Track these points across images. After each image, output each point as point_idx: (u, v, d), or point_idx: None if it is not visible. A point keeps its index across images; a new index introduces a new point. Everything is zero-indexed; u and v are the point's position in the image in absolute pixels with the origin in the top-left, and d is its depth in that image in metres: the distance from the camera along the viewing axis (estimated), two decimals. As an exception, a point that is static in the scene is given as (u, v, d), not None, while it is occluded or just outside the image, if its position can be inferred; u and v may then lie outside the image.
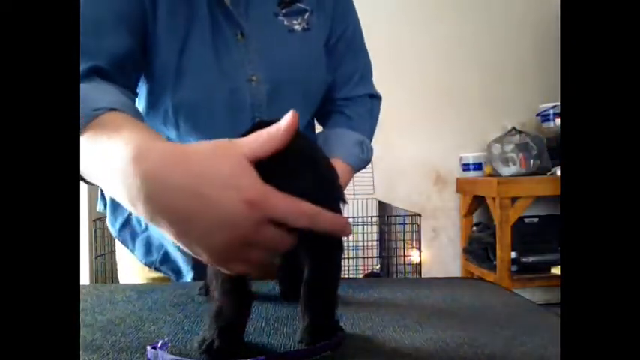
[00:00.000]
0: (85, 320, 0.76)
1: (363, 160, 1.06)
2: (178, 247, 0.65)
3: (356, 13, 1.14)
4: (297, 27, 1.01)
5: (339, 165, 1.00)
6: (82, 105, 0.64)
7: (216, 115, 0.96)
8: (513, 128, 3.22)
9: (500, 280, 2.82)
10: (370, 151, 1.09)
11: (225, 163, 0.52)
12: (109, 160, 0.58)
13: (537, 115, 3.39)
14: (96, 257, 2.74)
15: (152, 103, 0.95)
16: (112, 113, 0.67)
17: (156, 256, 1.10)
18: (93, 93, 0.70)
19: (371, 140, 1.14)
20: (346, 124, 1.09)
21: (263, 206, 0.50)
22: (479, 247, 3.23)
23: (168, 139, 0.91)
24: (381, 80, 1.19)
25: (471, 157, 3.41)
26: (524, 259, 3.08)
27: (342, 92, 1.11)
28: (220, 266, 0.55)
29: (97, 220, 2.71)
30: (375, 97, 1.17)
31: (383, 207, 3.15)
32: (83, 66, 0.79)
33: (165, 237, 0.76)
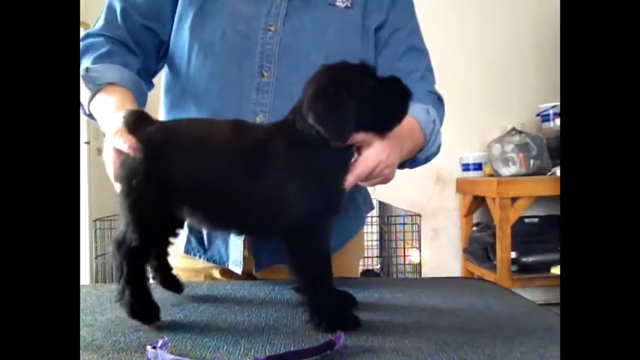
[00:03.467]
0: (85, 320, 0.76)
1: (429, 121, 1.01)
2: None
3: (416, 20, 1.15)
4: (339, 3, 1.05)
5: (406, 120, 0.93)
6: (94, 79, 0.95)
7: (224, 56, 1.01)
8: (513, 128, 3.22)
9: (501, 280, 2.82)
10: (436, 117, 1.03)
11: None
12: (104, 121, 0.90)
13: (537, 115, 3.39)
14: (96, 257, 2.74)
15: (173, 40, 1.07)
16: (110, 86, 0.94)
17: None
18: (100, 72, 0.96)
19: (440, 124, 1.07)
20: None
21: None
22: (479, 247, 3.23)
23: (177, 73, 1.07)
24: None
25: (471, 157, 3.41)
26: (524, 259, 3.07)
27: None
28: None
29: (97, 220, 2.71)
30: (440, 99, 1.12)
31: (383, 207, 3.15)
32: (107, 44, 1.01)
33: None
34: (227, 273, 1.08)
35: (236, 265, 1.05)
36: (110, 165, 0.80)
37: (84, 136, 2.67)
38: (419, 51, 1.13)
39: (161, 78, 1.13)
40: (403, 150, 0.92)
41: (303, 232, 0.73)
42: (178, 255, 1.09)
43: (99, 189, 2.70)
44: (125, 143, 0.75)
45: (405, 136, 0.91)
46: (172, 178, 0.74)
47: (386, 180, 0.86)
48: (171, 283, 0.89)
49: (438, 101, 1.12)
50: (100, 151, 2.91)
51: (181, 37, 1.04)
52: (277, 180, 0.73)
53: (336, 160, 0.77)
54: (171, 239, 0.85)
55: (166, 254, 0.87)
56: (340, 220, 0.95)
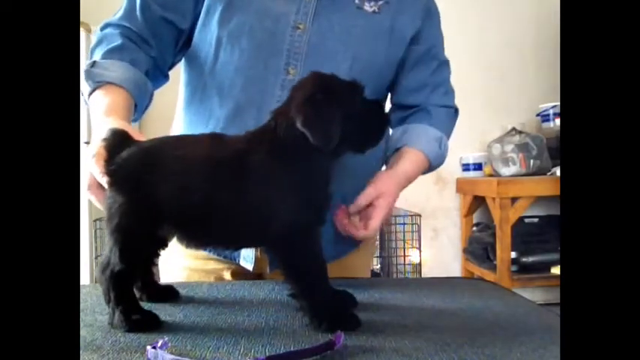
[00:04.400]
0: (85, 320, 0.76)
1: (439, 155, 1.11)
2: None
3: (442, 37, 1.18)
4: (367, 8, 1.06)
5: (418, 155, 1.07)
6: (94, 76, 0.96)
7: (250, 51, 1.01)
8: (513, 128, 3.22)
9: (501, 280, 2.82)
10: (446, 148, 1.14)
11: None
12: (94, 122, 0.91)
13: (537, 115, 3.39)
14: (96, 257, 2.74)
15: (200, 35, 1.06)
16: (108, 85, 0.95)
17: None
18: (104, 68, 0.97)
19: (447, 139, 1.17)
20: (427, 121, 1.12)
21: None
22: (479, 247, 3.23)
23: (201, 66, 1.07)
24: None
25: (471, 157, 3.41)
26: (524, 259, 3.07)
27: (431, 99, 1.14)
28: None
29: (97, 220, 2.71)
30: (456, 111, 1.21)
31: (383, 207, 3.14)
32: (120, 37, 1.01)
33: None
34: (238, 274, 1.08)
35: (247, 262, 1.05)
36: (86, 180, 0.82)
37: (84, 136, 2.66)
38: (444, 64, 1.17)
39: (179, 70, 1.13)
40: (404, 187, 1.06)
41: (294, 241, 0.73)
42: (189, 256, 1.09)
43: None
44: (100, 173, 0.76)
45: (415, 176, 1.08)
46: (154, 199, 0.73)
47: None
48: (163, 293, 0.87)
49: (454, 114, 1.19)
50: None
51: (209, 30, 1.04)
52: (261, 191, 0.72)
53: (319, 166, 0.76)
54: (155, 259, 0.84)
55: (152, 273, 0.86)
56: None
